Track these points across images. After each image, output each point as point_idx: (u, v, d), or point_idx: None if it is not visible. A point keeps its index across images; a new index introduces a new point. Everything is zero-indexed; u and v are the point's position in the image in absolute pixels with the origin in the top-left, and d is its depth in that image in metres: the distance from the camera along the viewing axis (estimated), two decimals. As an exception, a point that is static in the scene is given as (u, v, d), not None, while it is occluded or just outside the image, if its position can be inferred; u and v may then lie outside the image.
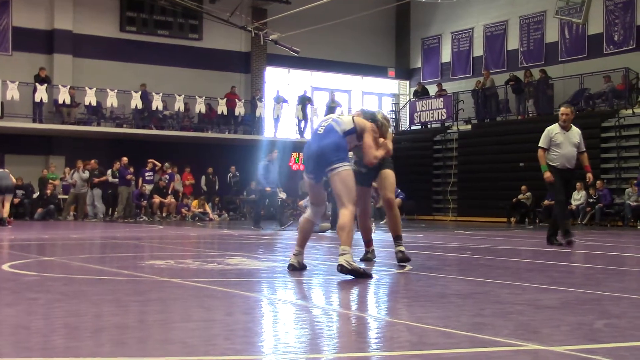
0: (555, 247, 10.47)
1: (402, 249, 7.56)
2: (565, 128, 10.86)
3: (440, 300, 5.35)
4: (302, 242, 6.83)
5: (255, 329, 4.13)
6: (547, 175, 10.67)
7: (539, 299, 5.32)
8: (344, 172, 6.39)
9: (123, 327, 4.00)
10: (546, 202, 22.07)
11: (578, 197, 21.88)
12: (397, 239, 7.61)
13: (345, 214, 6.35)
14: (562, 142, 10.72)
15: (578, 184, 21.75)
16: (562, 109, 11.18)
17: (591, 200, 21.68)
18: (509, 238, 13.65)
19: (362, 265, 6.86)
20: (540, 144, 10.81)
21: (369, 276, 6.27)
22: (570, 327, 4.07)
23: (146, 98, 25.39)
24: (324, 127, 6.60)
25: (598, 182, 21.30)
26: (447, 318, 4.36)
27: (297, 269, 6.77)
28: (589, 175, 11.03)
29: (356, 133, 6.58)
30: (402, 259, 7.44)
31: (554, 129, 10.85)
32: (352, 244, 6.31)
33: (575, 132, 10.95)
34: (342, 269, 6.17)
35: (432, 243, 12.09)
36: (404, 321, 4.29)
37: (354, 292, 5.89)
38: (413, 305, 5.29)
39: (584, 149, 11.04)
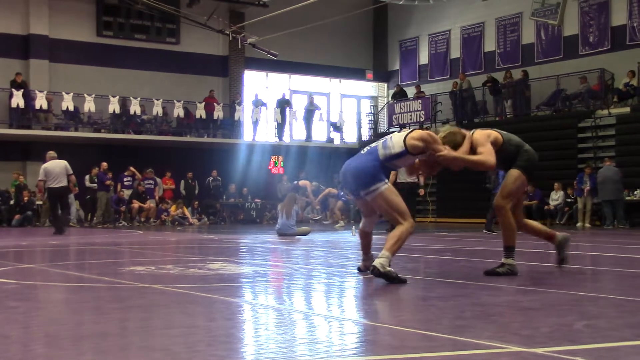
0: (533, 248, 10.46)
1: (504, 261, 6.75)
2: None
3: (421, 303, 5.38)
4: (365, 250, 6.92)
5: (237, 334, 4.13)
6: None
7: (519, 300, 5.37)
8: (384, 191, 6.30)
9: (104, 334, 3.98)
10: (524, 202, 22.23)
11: (556, 197, 22.05)
12: (505, 249, 6.85)
13: (400, 227, 6.29)
14: None
15: (556, 184, 21.96)
16: None
17: (569, 200, 21.84)
18: (488, 239, 13.72)
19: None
20: None
21: (403, 282, 6.15)
22: (550, 328, 4.10)
23: (124, 103, 25.29)
24: (368, 148, 6.60)
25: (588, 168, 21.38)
26: (429, 321, 4.39)
27: (363, 271, 6.88)
28: None
29: (409, 153, 6.41)
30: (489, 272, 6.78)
31: None
32: (394, 253, 6.19)
33: None
34: (374, 270, 6.09)
35: (412, 245, 12.13)
36: (385, 325, 4.31)
37: (335, 297, 5.90)
38: (394, 308, 5.32)
39: None
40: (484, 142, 6.64)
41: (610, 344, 3.64)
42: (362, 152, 6.65)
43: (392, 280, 6.07)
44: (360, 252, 7.03)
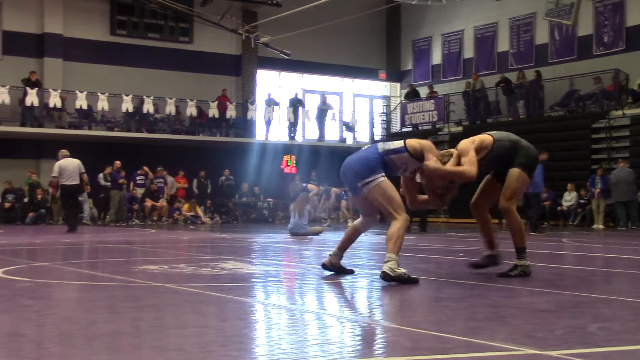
0: (546, 249, 10.36)
1: (517, 262, 6.71)
2: None
3: (434, 304, 5.37)
4: (342, 245, 6.81)
5: (250, 334, 4.13)
6: None
7: (533, 302, 5.34)
8: (380, 183, 6.29)
9: (117, 333, 3.99)
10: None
11: (569, 198, 21.96)
12: (516, 251, 6.77)
13: (395, 224, 6.26)
14: None
15: (569, 185, 21.87)
16: None
17: (582, 201, 21.75)
18: (500, 240, 13.65)
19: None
20: None
21: (415, 282, 6.13)
22: (564, 330, 4.08)
23: (138, 102, 25.40)
24: (368, 146, 6.67)
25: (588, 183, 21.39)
26: (442, 322, 4.37)
27: (328, 268, 6.80)
28: None
29: (408, 153, 6.39)
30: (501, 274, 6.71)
31: None
32: (398, 252, 6.15)
33: None
34: (384, 276, 6.04)
35: (424, 245, 12.11)
36: (398, 326, 4.30)
37: (347, 297, 5.89)
38: (406, 309, 5.30)
39: None
40: (467, 150, 6.52)
41: (624, 347, 3.62)
42: (363, 149, 6.69)
43: (405, 282, 6.05)
44: (337, 246, 6.85)
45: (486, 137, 6.73)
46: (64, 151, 16.91)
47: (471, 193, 7.10)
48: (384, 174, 6.36)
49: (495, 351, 3.50)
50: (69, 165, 16.31)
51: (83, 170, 16.47)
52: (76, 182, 16.34)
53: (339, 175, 6.74)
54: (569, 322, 4.38)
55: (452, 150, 6.71)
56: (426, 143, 6.53)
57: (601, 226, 20.58)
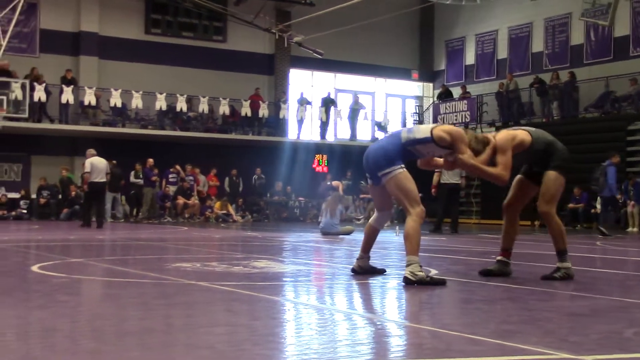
0: (579, 252, 10.17)
1: (560, 265, 6.67)
2: None
3: (466, 307, 5.33)
4: (365, 247, 6.77)
5: (281, 333, 4.14)
6: None
7: (567, 305, 5.29)
8: (398, 175, 6.22)
9: (150, 331, 4.02)
10: (570, 205, 21.93)
11: (603, 201, 21.67)
12: (558, 254, 6.74)
13: (409, 222, 6.19)
14: None
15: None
16: None
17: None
18: (533, 242, 13.54)
19: (433, 271, 6.69)
20: None
21: (441, 283, 6.06)
22: (599, 335, 4.03)
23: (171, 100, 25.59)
24: (391, 132, 6.62)
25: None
26: (474, 325, 4.34)
27: (358, 272, 6.75)
28: None
29: (434, 142, 6.28)
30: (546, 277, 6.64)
31: None
32: (417, 252, 6.07)
33: None
34: (406, 281, 5.99)
35: (456, 247, 12.04)
36: (430, 327, 4.27)
37: (378, 297, 5.88)
38: (439, 311, 5.27)
39: None
40: (505, 149, 6.44)
41: (661, 353, 3.57)
42: (385, 136, 6.65)
43: (428, 284, 6.00)
44: (360, 249, 6.82)
45: (526, 137, 6.62)
46: (92, 150, 17.61)
47: (501, 195, 7.02)
48: (402, 165, 6.28)
49: (528, 355, 3.46)
50: (99, 164, 17.12)
51: (109, 170, 17.58)
52: (104, 179, 17.22)
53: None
54: (605, 327, 4.32)
55: (488, 136, 6.57)
56: (456, 132, 6.38)
57: (636, 229, 20.31)
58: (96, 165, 17.01)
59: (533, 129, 6.85)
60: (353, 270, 6.81)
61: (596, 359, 3.33)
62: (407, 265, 6.05)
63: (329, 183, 23.50)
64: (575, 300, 5.49)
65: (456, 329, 4.17)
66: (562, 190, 6.81)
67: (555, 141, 6.79)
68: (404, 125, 31.06)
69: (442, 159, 6.71)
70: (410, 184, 6.24)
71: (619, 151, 22.43)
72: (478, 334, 3.92)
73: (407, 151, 6.34)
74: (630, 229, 20.39)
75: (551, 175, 6.64)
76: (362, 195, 25.47)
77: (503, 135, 6.58)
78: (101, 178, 17.06)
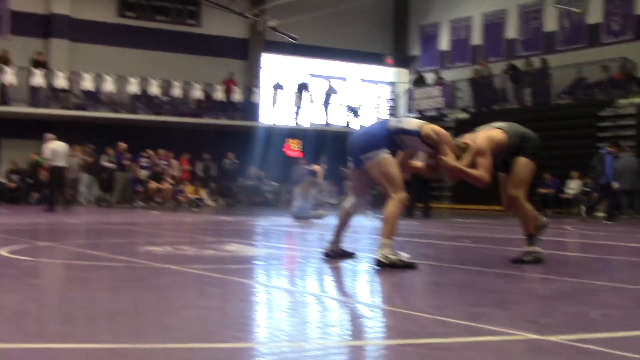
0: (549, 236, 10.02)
1: (529, 249, 6.74)
2: None
3: (437, 290, 5.38)
4: (337, 231, 6.75)
5: (252, 316, 4.15)
6: None
7: (536, 288, 5.35)
8: (382, 160, 6.23)
9: (120, 314, 4.00)
10: (542, 190, 22.12)
11: (573, 186, 21.91)
12: (527, 238, 6.81)
13: (390, 206, 6.19)
14: None
15: (574, 173, 21.82)
16: None
17: (587, 189, 21.69)
18: (505, 227, 13.67)
19: (405, 255, 6.69)
20: None
21: (411, 267, 6.08)
22: (566, 317, 4.09)
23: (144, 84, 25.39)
24: (380, 120, 6.60)
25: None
26: (445, 307, 4.38)
27: (331, 256, 6.71)
28: None
29: (420, 138, 6.31)
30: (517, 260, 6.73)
31: None
32: (392, 236, 6.07)
33: None
34: (379, 263, 6.01)
35: (428, 231, 12.11)
36: (401, 310, 4.30)
37: (349, 280, 5.91)
38: (410, 294, 5.31)
39: None
40: (485, 152, 6.51)
41: (625, 332, 3.62)
42: (373, 122, 6.65)
43: (400, 267, 6.01)
44: (333, 233, 6.78)
45: (502, 137, 6.68)
46: (51, 135, 17.78)
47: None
48: (387, 151, 6.30)
49: (497, 335, 3.51)
50: (59, 148, 17.18)
51: (69, 154, 17.87)
52: (65, 164, 17.40)
53: (347, 160, 6.68)
54: (571, 309, 4.38)
55: (469, 142, 6.62)
56: (444, 134, 6.42)
57: (604, 214, 20.54)
58: (56, 150, 17.05)
59: (505, 124, 6.90)
60: (325, 254, 6.82)
61: (562, 339, 3.37)
62: (380, 248, 6.05)
63: (308, 167, 23.48)
64: (544, 283, 5.56)
65: (427, 311, 4.20)
66: (532, 176, 6.88)
67: (527, 131, 6.89)
68: (378, 110, 31.10)
69: (421, 163, 6.79)
70: (394, 169, 6.28)
71: (589, 137, 22.75)
72: (449, 316, 3.95)
73: (392, 140, 6.36)
74: (598, 214, 20.62)
75: (522, 160, 6.72)
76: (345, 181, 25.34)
77: (481, 138, 6.65)
78: (63, 162, 17.14)
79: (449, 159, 6.34)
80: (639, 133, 21.70)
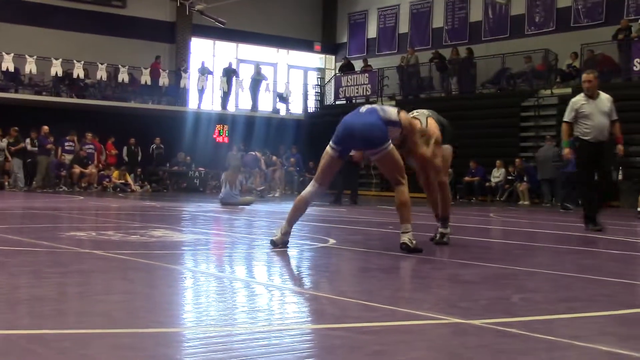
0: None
1: (444, 231, 7.26)
2: (592, 97, 9.67)
3: (363, 275, 5.43)
4: (291, 220, 6.45)
5: (178, 301, 4.12)
6: (567, 152, 10.02)
7: (459, 273, 5.46)
8: (392, 149, 6.40)
9: (42, 299, 3.92)
10: (467, 178, 22.54)
11: (497, 175, 22.39)
12: (442, 220, 7.31)
13: (404, 191, 6.44)
14: (591, 112, 9.59)
15: (498, 161, 22.30)
16: (585, 75, 9.86)
17: (510, 177, 22.21)
18: (430, 214, 13.87)
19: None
20: (565, 118, 9.91)
21: (420, 251, 6.31)
22: (488, 301, 4.19)
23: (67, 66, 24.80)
24: (366, 108, 6.63)
25: (517, 160, 21.86)
26: (370, 292, 4.43)
27: (278, 245, 6.36)
28: (620, 147, 10.03)
29: (400, 128, 6.53)
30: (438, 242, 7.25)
31: (579, 99, 9.74)
32: (411, 220, 6.39)
33: (605, 99, 9.70)
34: (406, 247, 6.24)
35: (355, 218, 12.21)
36: (327, 295, 4.33)
37: (277, 266, 5.91)
38: (336, 279, 5.35)
39: (616, 117, 9.76)
40: (440, 140, 6.99)
41: (544, 316, 3.74)
42: (361, 110, 6.56)
43: (418, 252, 6.24)
44: (286, 220, 6.46)
45: (439, 134, 7.00)
46: None
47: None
48: (390, 141, 6.45)
49: (421, 320, 3.57)
50: None
51: None
52: None
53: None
54: (493, 293, 4.50)
55: (429, 131, 6.90)
56: (415, 125, 6.73)
57: (527, 202, 21.07)
58: None
59: (428, 112, 7.22)
60: (273, 242, 6.41)
61: (484, 323, 3.45)
62: (404, 232, 6.32)
63: (253, 153, 23.32)
64: (467, 269, 5.67)
65: (353, 296, 4.24)
66: (451, 160, 7.41)
67: (444, 120, 7.28)
68: (306, 96, 31.11)
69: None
70: (400, 157, 6.51)
71: (513, 126, 23.26)
72: (374, 301, 4.00)
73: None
74: (521, 202, 21.15)
75: (446, 147, 7.15)
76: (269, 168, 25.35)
77: (434, 128, 6.97)
78: None
79: (425, 150, 6.80)
80: (560, 123, 22.21)
